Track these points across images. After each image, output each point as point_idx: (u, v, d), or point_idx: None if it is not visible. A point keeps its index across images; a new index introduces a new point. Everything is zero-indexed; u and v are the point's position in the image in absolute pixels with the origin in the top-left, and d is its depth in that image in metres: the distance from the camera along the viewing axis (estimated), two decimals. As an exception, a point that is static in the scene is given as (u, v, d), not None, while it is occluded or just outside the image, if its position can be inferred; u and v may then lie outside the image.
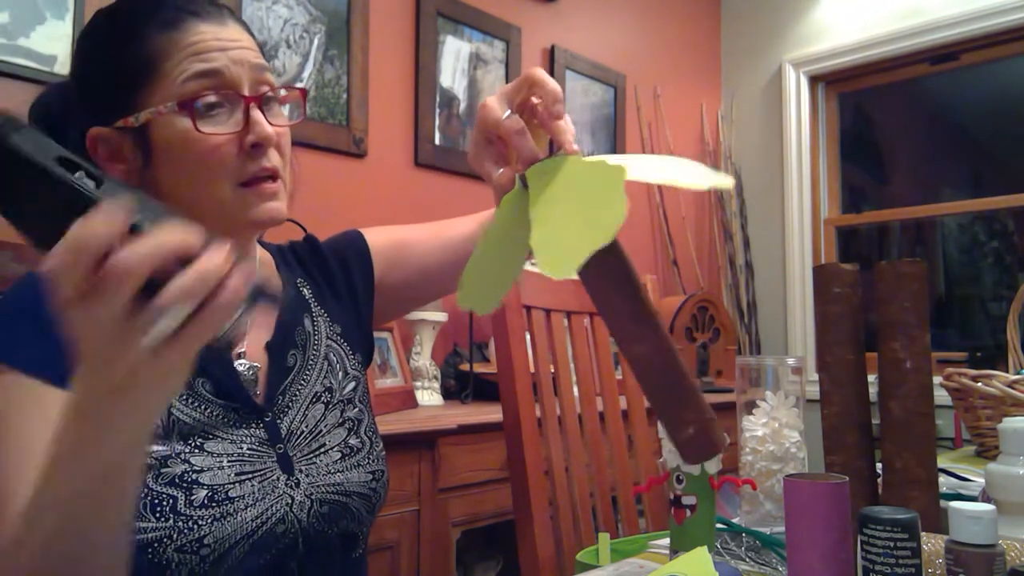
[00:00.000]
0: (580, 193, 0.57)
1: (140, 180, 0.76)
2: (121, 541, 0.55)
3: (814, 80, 3.30)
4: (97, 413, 0.47)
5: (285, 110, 0.81)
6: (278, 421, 0.79)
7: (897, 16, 3.05)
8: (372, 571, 1.51)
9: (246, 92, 0.75)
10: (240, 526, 0.70)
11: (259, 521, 0.72)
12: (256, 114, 0.74)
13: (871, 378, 0.79)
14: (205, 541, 0.68)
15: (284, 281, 0.88)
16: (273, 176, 0.76)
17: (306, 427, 0.81)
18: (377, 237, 0.96)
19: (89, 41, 0.78)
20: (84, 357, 0.45)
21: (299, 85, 2.02)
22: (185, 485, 0.69)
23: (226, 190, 0.74)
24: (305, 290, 0.90)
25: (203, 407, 0.74)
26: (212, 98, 0.73)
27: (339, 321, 0.90)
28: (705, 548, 0.62)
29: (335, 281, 0.93)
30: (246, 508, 0.72)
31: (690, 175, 0.60)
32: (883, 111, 3.45)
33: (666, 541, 0.81)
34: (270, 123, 0.75)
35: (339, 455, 0.82)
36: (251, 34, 0.79)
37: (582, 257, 0.52)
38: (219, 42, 0.74)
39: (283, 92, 0.80)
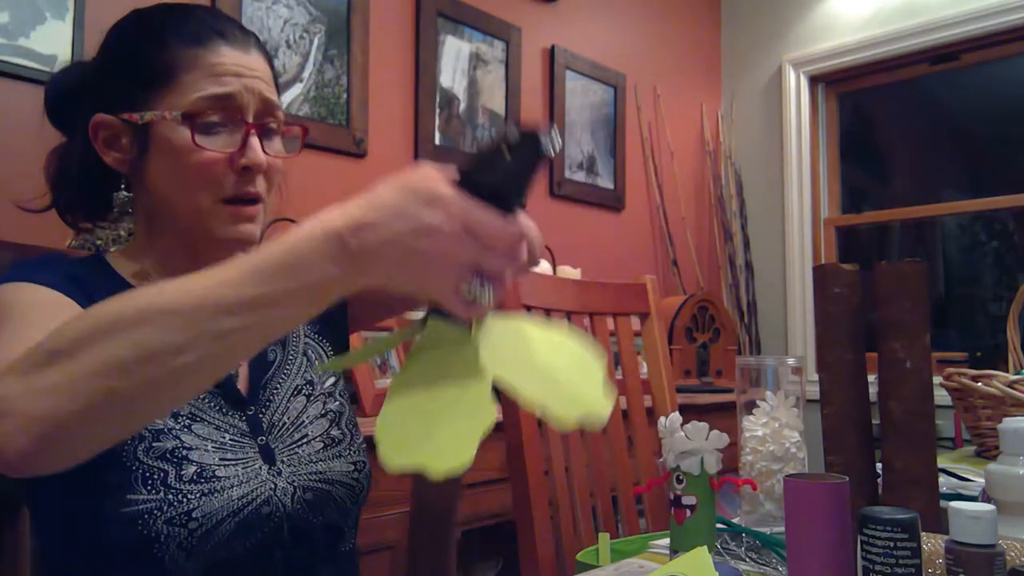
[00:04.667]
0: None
1: (130, 169, 0.80)
2: (238, 357, 0.57)
3: (814, 80, 3.30)
4: (341, 277, 0.55)
5: (284, 145, 0.84)
6: (260, 415, 0.81)
7: (897, 16, 3.05)
8: (372, 571, 1.51)
9: (250, 119, 0.78)
10: (227, 503, 0.72)
11: (245, 500, 0.74)
12: (253, 140, 0.78)
13: (871, 378, 0.79)
14: (193, 515, 0.70)
15: None
16: (255, 200, 0.79)
17: (288, 419, 0.83)
18: None
19: (117, 34, 0.81)
20: (406, 257, 0.53)
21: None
22: (175, 460, 0.71)
23: (206, 201, 0.77)
24: None
25: None
26: (216, 117, 0.76)
27: (316, 319, 0.92)
28: (705, 548, 0.62)
29: None
30: (232, 487, 0.73)
31: (566, 399, 0.61)
32: (883, 111, 3.45)
33: (666, 541, 0.82)
34: (265, 152, 0.78)
35: (321, 445, 0.83)
36: (271, 65, 0.82)
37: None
38: (237, 67, 0.77)
39: (285, 128, 0.82)
